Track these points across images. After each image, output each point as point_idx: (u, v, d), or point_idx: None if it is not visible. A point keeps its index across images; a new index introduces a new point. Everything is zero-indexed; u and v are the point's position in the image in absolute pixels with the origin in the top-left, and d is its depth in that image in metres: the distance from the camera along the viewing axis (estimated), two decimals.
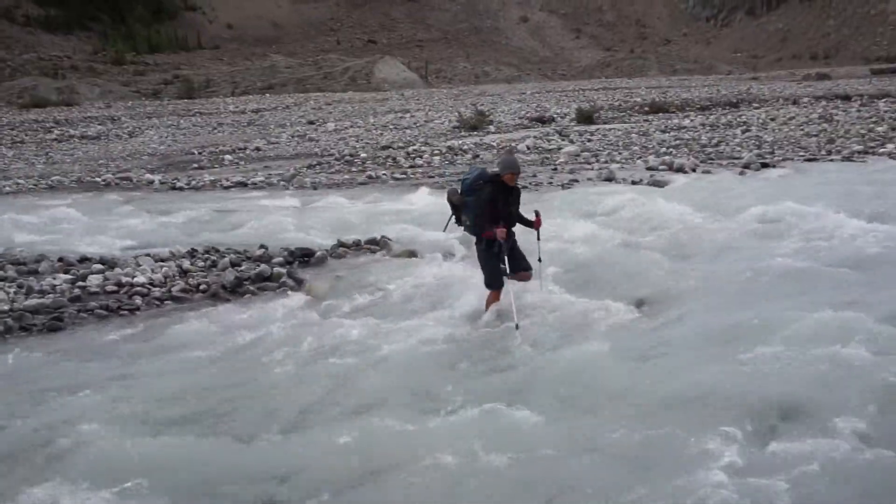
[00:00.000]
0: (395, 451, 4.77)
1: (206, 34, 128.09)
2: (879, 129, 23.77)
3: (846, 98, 39.65)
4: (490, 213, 7.05)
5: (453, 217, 7.58)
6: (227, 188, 17.17)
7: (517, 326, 6.85)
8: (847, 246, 9.80)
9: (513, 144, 23.60)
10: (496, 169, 7.35)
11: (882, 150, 19.18)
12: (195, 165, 21.98)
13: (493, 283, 7.35)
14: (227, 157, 23.64)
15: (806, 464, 4.41)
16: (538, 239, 7.45)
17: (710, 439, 4.69)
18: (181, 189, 17.22)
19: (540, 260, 7.52)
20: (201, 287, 8.77)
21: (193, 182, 17.92)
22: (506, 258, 7.26)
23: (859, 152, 18.97)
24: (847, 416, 4.93)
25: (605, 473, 4.49)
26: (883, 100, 37.32)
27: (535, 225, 7.43)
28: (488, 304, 7.46)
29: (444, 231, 8.04)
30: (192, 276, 9.14)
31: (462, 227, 7.54)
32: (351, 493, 4.41)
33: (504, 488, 4.38)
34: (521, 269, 7.43)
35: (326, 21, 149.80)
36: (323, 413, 5.45)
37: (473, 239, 7.56)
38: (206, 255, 10.04)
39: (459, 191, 7.36)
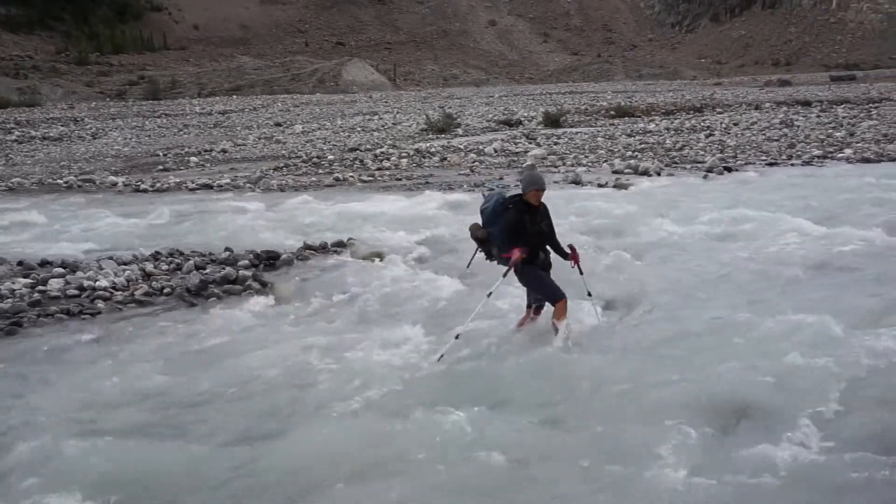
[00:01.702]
0: (361, 455, 4.77)
1: (172, 35, 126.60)
2: (838, 134, 24.31)
3: (806, 104, 40.46)
4: (516, 236, 6.40)
5: (480, 252, 6.91)
6: (192, 190, 17.00)
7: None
8: (806, 249, 10.01)
9: (483, 148, 23.69)
10: (511, 190, 6.70)
11: (840, 154, 19.62)
12: (160, 167, 21.73)
13: (556, 293, 6.57)
14: (193, 158, 23.41)
15: (761, 465, 4.49)
16: (581, 273, 6.83)
17: (666, 440, 4.76)
18: (145, 191, 17.02)
19: (589, 294, 6.95)
20: (165, 290, 8.67)
21: (158, 184, 17.71)
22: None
23: (819, 157, 19.39)
24: (802, 418, 5.04)
25: (560, 474, 4.54)
26: (841, 105, 38.14)
27: (572, 259, 6.77)
28: (559, 313, 6.57)
29: (467, 268, 7.19)
30: (155, 280, 9.04)
31: (495, 262, 6.84)
32: (315, 498, 4.40)
33: (465, 492, 4.41)
34: (557, 298, 6.60)
35: (295, 23, 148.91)
36: (287, 417, 5.43)
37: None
38: (170, 258, 9.93)
39: (482, 223, 6.73)
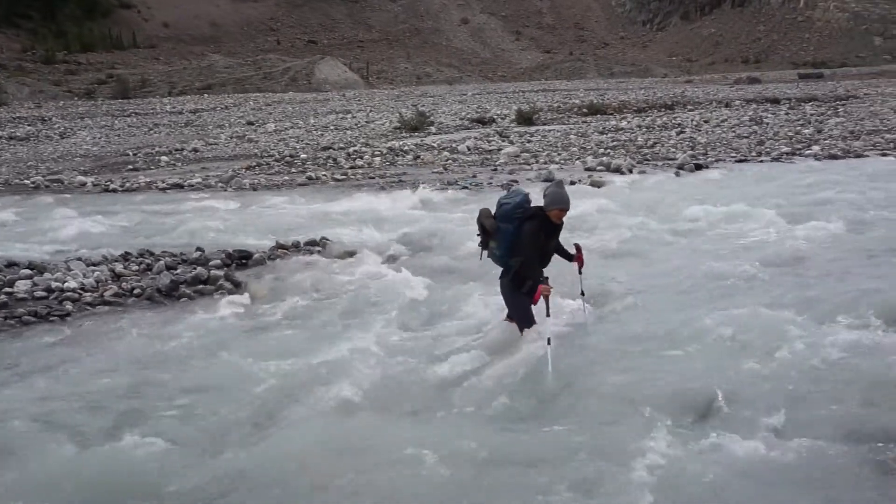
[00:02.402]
0: (336, 457, 4.75)
1: (142, 33, 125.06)
2: (806, 131, 24.67)
3: (775, 101, 41.01)
4: (532, 255, 6.12)
5: (482, 242, 6.55)
6: (163, 190, 16.82)
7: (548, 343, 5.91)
8: (774, 245, 10.15)
9: (457, 146, 23.70)
10: (536, 200, 6.29)
11: (808, 151, 19.92)
12: (130, 167, 21.47)
13: (529, 325, 6.38)
14: (164, 158, 23.16)
15: (731, 458, 4.55)
16: (580, 273, 6.78)
17: (636, 436, 4.80)
18: (115, 191, 16.80)
19: (583, 294, 6.93)
20: (135, 291, 8.58)
21: (128, 184, 17.50)
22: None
23: (787, 154, 19.66)
24: (769, 412, 5.11)
25: (532, 471, 4.56)
26: (809, 103, 38.71)
27: (576, 260, 6.67)
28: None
29: (480, 259, 6.72)
30: (125, 280, 8.94)
31: (487, 254, 6.54)
32: (287, 501, 4.38)
33: (437, 491, 4.41)
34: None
35: (266, 21, 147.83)
36: (259, 419, 5.39)
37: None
38: (141, 259, 9.82)
39: (495, 213, 6.36)
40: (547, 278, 6.01)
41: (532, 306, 6.25)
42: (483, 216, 6.36)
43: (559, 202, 6.15)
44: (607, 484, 4.33)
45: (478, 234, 6.49)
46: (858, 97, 42.54)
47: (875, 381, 5.49)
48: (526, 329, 6.35)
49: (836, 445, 4.66)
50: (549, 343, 5.85)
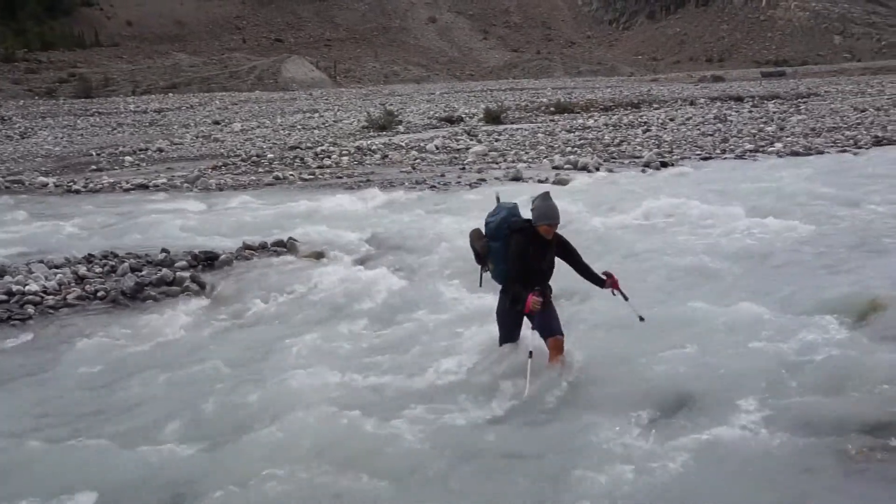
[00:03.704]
0: (301, 458, 4.71)
1: (104, 31, 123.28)
2: (769, 128, 25.08)
3: (739, 99, 41.65)
4: (518, 270, 5.66)
5: (480, 264, 6.11)
6: (127, 190, 16.58)
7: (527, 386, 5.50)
8: (740, 241, 10.30)
9: (425, 145, 23.69)
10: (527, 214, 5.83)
11: (771, 148, 20.26)
12: (93, 167, 21.13)
13: (507, 342, 6.02)
14: (128, 158, 22.84)
15: (704, 451, 4.60)
16: (626, 299, 5.95)
17: (612, 430, 4.84)
18: (77, 192, 16.52)
19: (642, 319, 5.98)
20: (99, 294, 8.44)
21: (91, 184, 17.22)
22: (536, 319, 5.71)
23: (751, 151, 19.97)
24: (739, 405, 5.17)
25: (504, 466, 4.58)
26: (772, 101, 39.36)
27: (611, 285, 5.92)
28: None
29: (479, 286, 6.32)
30: (89, 283, 8.78)
31: (490, 276, 6.07)
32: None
33: (410, 492, 4.41)
34: (552, 333, 5.78)
35: (232, 19, 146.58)
36: (224, 420, 5.32)
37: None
38: (104, 261, 9.66)
39: (484, 233, 5.98)
40: (539, 290, 5.55)
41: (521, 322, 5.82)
42: (473, 239, 6.00)
43: (546, 217, 5.67)
44: (581, 477, 4.35)
45: (479, 264, 6.08)
46: (819, 95, 43.35)
47: (840, 373, 5.58)
48: (507, 344, 6.00)
49: (803, 437, 4.73)
50: (530, 356, 5.55)
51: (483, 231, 5.97)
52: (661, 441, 4.75)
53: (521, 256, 5.64)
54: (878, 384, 5.35)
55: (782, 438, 4.73)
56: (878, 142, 20.95)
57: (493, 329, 6.78)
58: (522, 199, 12.87)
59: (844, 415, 4.97)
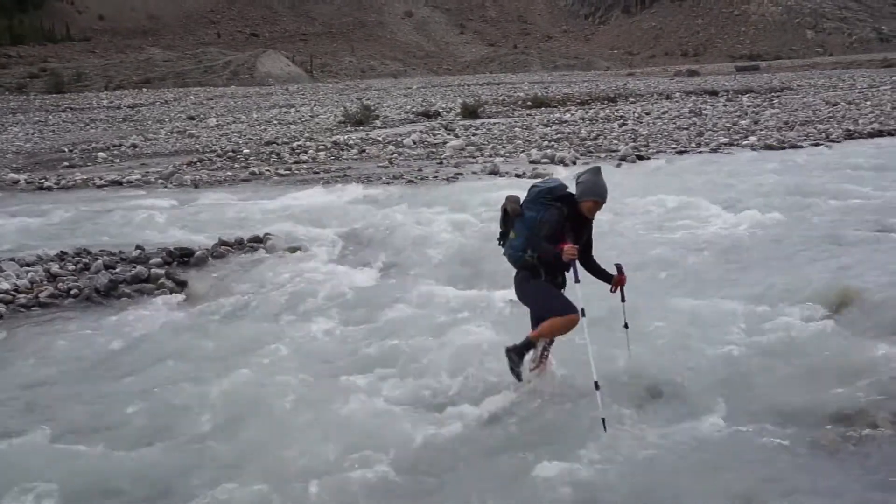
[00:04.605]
0: (277, 455, 4.69)
1: (76, 25, 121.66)
2: (743, 122, 25.30)
3: (714, 93, 42.00)
4: (550, 231, 5.07)
5: (501, 234, 5.50)
6: (100, 187, 16.37)
7: (597, 385, 4.85)
8: (715, 233, 10.39)
9: (402, 140, 23.63)
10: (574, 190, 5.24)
11: (745, 142, 20.44)
12: (65, 164, 20.83)
13: (568, 307, 5.15)
14: (101, 154, 22.55)
15: (678, 442, 4.65)
16: (623, 300, 5.54)
17: (585, 422, 4.87)
18: (49, 189, 16.29)
19: (626, 326, 5.61)
20: (72, 292, 8.33)
21: (63, 181, 16.98)
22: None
23: (725, 144, 20.13)
24: (713, 395, 5.23)
25: (472, 457, 4.60)
26: (746, 95, 39.71)
27: (617, 282, 5.44)
28: (552, 326, 5.22)
29: (504, 254, 5.51)
30: (61, 281, 8.67)
31: (502, 248, 5.47)
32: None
33: (380, 489, 4.41)
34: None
35: (206, 13, 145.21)
36: (200, 418, 5.28)
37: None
38: (77, 258, 9.54)
39: (522, 201, 5.35)
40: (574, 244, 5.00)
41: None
42: (508, 200, 5.32)
43: (594, 192, 5.08)
44: (555, 467, 4.38)
45: (499, 236, 5.50)
46: (792, 89, 43.80)
47: (812, 364, 5.67)
48: (568, 315, 5.12)
49: (776, 426, 4.80)
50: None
51: (522, 198, 5.33)
52: (634, 432, 4.79)
53: (555, 231, 5.01)
54: (849, 374, 5.44)
55: (755, 428, 4.80)
56: (849, 135, 21.23)
57: (473, 321, 6.79)
58: (493, 196, 12.95)
59: (816, 404, 5.05)
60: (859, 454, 4.49)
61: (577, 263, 5.06)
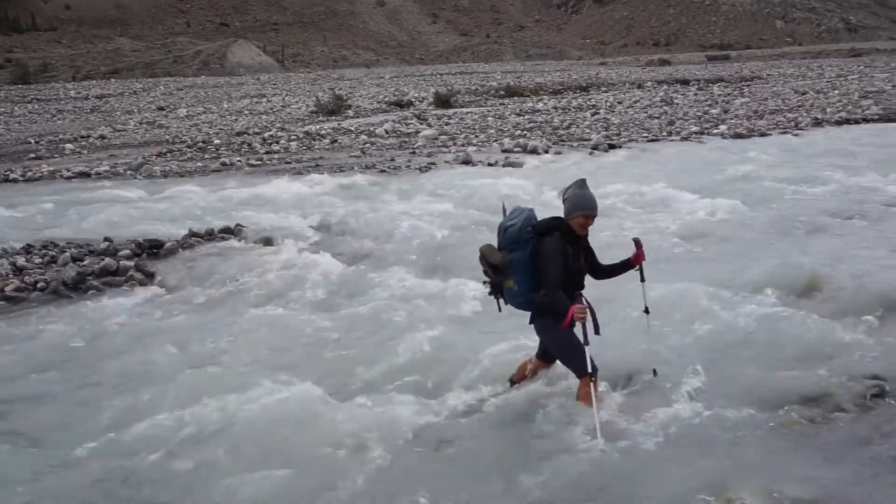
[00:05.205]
0: (248, 448, 4.65)
1: (42, 15, 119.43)
2: (713, 111, 25.53)
3: (685, 82, 42.32)
4: (562, 269, 4.66)
5: (487, 285, 5.05)
6: (68, 179, 16.11)
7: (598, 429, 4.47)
8: (687, 220, 10.50)
9: (375, 129, 23.53)
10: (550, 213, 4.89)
11: (715, 130, 20.64)
12: (32, 155, 20.46)
13: (583, 368, 4.71)
14: (69, 145, 22.18)
15: (652, 427, 4.69)
16: (642, 280, 5.22)
17: (560, 407, 4.90)
18: (15, 181, 15.99)
19: (647, 311, 5.35)
20: (39, 285, 8.20)
21: (30, 173, 16.69)
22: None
23: (696, 133, 20.30)
24: (686, 381, 5.28)
25: (450, 444, 4.61)
26: (717, 84, 40.06)
27: (636, 259, 5.07)
28: (584, 397, 4.72)
29: (499, 311, 5.08)
30: (28, 274, 8.52)
31: (505, 301, 4.99)
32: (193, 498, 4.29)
33: (355, 481, 4.40)
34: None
35: (175, 2, 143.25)
36: (170, 411, 5.22)
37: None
38: (44, 251, 9.39)
39: (498, 244, 4.92)
40: (580, 295, 4.74)
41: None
42: (487, 254, 4.85)
43: (582, 206, 4.71)
44: (531, 453, 4.41)
45: (484, 282, 5.06)
46: (762, 78, 44.26)
47: (780, 348, 5.75)
48: (584, 380, 4.73)
49: (745, 409, 4.86)
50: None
51: (497, 243, 4.92)
52: (606, 417, 4.82)
53: (561, 259, 4.63)
54: (816, 358, 5.54)
55: (725, 411, 4.86)
56: (817, 123, 21.53)
57: (445, 310, 6.78)
58: (466, 185, 12.82)
59: (784, 387, 5.12)
60: (825, 435, 4.56)
61: (588, 325, 4.64)
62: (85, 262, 8.87)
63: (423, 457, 4.55)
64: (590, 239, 5.02)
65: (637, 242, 5.08)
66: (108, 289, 8.24)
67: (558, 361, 5.07)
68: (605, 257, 5.26)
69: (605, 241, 9.54)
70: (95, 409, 5.33)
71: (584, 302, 4.69)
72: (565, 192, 4.84)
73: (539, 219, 4.87)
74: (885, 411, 4.81)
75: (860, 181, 12.75)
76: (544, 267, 4.64)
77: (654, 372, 5.32)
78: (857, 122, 21.84)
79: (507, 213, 5.02)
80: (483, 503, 4.05)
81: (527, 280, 4.75)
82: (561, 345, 4.81)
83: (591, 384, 4.57)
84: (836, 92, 30.93)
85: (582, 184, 4.83)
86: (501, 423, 4.88)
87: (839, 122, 21.70)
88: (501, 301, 4.99)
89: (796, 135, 19.57)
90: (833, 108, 24.64)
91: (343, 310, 7.39)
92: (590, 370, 4.57)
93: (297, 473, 4.34)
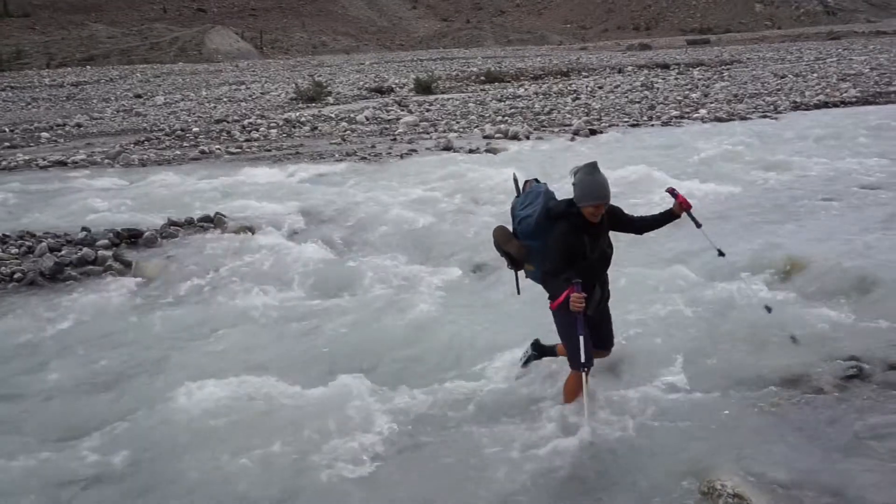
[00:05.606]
0: (229, 439, 4.63)
1: (13, 1, 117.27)
2: (694, 95, 25.59)
3: (665, 67, 42.38)
4: (570, 261, 4.43)
5: (510, 267, 4.90)
6: (44, 168, 15.89)
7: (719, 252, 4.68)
8: (664, 204, 10.45)
9: (355, 116, 23.39)
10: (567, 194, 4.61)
11: (695, 114, 20.70)
12: (6, 144, 20.17)
13: (575, 360, 4.51)
14: (44, 134, 21.88)
15: (630, 412, 4.72)
16: (698, 226, 4.79)
17: (539, 393, 4.92)
18: None
19: (721, 253, 5.06)
20: (16, 276, 8.10)
21: (4, 162, 16.44)
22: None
23: (676, 117, 20.35)
24: (667, 366, 5.34)
25: (430, 427, 4.61)
26: (697, 68, 40.15)
27: (681, 207, 4.73)
28: (568, 390, 4.76)
29: (517, 293, 5.05)
30: (4, 265, 8.42)
31: (525, 275, 4.91)
32: (172, 490, 4.27)
33: (343, 455, 4.40)
34: (602, 346, 4.86)
35: None
36: (151, 402, 5.19)
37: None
38: (21, 241, 9.28)
39: (512, 230, 4.79)
40: (578, 283, 4.30)
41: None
42: (502, 241, 4.74)
43: (591, 196, 4.42)
44: (511, 439, 4.42)
45: (509, 266, 4.90)
46: (742, 62, 44.39)
47: (761, 330, 5.80)
48: (574, 372, 4.62)
49: (726, 392, 4.92)
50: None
51: (511, 227, 4.77)
52: (591, 400, 4.84)
53: (572, 248, 4.42)
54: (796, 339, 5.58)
55: (706, 394, 4.91)
56: (796, 107, 21.64)
57: (427, 296, 6.78)
58: (447, 171, 12.80)
59: (765, 369, 5.18)
60: (805, 416, 4.61)
61: (582, 317, 4.38)
62: (62, 252, 8.77)
63: (409, 447, 4.55)
64: None
65: (673, 192, 4.80)
66: (87, 278, 8.15)
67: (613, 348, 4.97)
68: None
69: None
70: (73, 401, 5.29)
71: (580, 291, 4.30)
72: (575, 173, 4.52)
73: (554, 198, 4.68)
74: (863, 392, 4.87)
75: (838, 165, 12.84)
76: (549, 251, 4.49)
77: (721, 253, 5.00)
78: (835, 105, 21.97)
79: (521, 188, 4.83)
80: (469, 493, 4.05)
81: (543, 265, 4.60)
82: (561, 331, 4.64)
83: (583, 375, 4.46)
84: (815, 75, 31.10)
85: (592, 168, 4.47)
86: (490, 413, 4.89)
87: (818, 106, 21.82)
88: (521, 275, 4.85)
89: (775, 118, 19.68)
90: (812, 92, 24.77)
91: (322, 296, 7.37)
92: (583, 361, 4.40)
93: (278, 465, 4.32)
